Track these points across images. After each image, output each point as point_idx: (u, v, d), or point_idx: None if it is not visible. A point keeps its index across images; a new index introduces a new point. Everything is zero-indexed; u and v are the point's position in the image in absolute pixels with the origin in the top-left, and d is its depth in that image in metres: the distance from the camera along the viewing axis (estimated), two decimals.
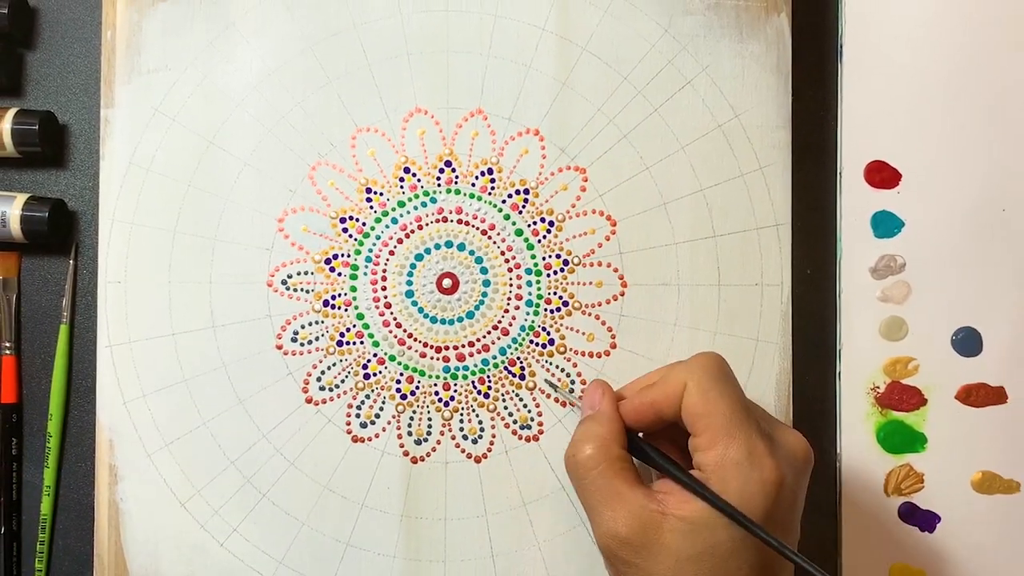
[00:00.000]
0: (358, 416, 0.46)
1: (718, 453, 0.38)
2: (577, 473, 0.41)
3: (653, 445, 0.41)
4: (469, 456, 0.46)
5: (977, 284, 0.48)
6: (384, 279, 0.47)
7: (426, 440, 0.46)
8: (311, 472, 0.46)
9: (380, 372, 0.46)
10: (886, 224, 0.49)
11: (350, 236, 0.47)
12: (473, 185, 0.47)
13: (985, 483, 0.48)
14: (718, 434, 0.39)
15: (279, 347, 0.46)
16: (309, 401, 0.46)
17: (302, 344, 0.46)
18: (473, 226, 0.47)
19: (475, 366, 0.47)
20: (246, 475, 0.46)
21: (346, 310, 0.47)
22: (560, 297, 0.47)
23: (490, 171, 0.47)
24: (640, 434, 0.41)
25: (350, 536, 0.46)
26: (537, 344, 0.46)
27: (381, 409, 0.46)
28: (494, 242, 0.47)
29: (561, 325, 0.46)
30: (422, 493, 0.46)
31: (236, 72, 0.47)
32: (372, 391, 0.46)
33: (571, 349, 0.46)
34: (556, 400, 0.46)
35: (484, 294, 0.47)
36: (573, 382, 0.46)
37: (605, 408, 0.42)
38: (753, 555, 0.38)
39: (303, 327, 0.46)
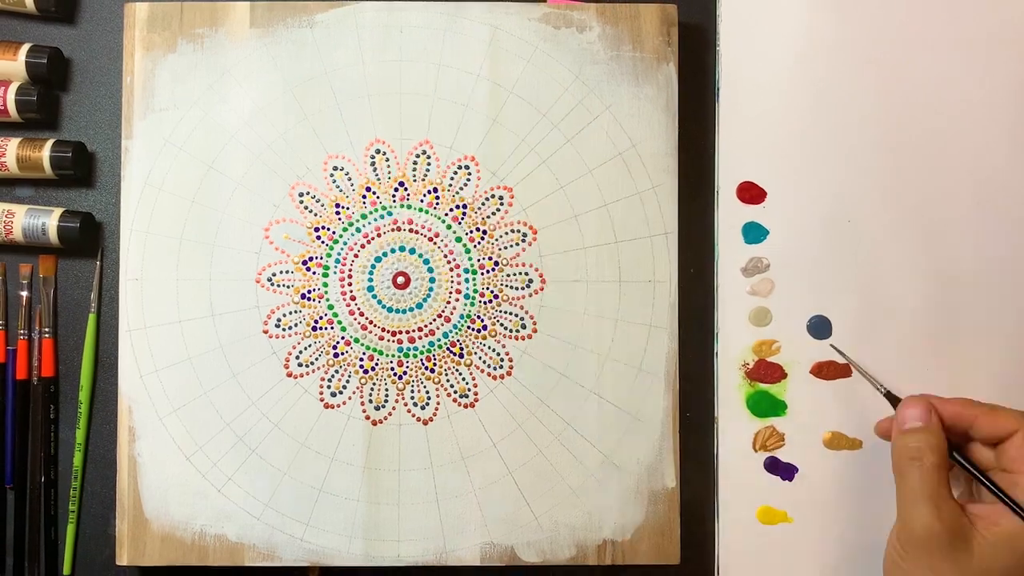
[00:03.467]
0: (329, 387, 0.51)
1: None
2: (918, 472, 0.43)
3: (983, 471, 0.45)
4: (418, 419, 0.51)
5: (827, 280, 0.52)
6: (350, 276, 0.52)
7: (384, 406, 0.51)
8: (291, 432, 0.51)
9: (347, 352, 0.52)
10: (754, 232, 0.53)
11: (323, 242, 0.52)
12: (422, 201, 0.52)
13: (834, 441, 0.52)
14: None
15: (265, 332, 0.51)
16: (289, 375, 0.51)
17: (284, 329, 0.51)
18: (422, 234, 0.52)
19: (423, 347, 0.52)
20: (238, 435, 0.51)
21: (319, 302, 0.52)
22: (492, 291, 0.52)
23: (435, 190, 0.52)
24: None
25: (323, 483, 0.51)
26: (473, 329, 0.52)
27: (347, 382, 0.51)
28: (438, 247, 0.52)
29: (493, 314, 0.52)
30: (380, 449, 0.51)
31: (230, 110, 0.52)
32: (340, 367, 0.51)
33: (501, 333, 0.52)
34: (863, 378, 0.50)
35: (430, 289, 0.52)
36: (502, 359, 0.51)
37: (936, 424, 0.45)
38: None
39: (284, 315, 0.52)
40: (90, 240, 0.54)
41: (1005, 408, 0.45)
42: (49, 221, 0.52)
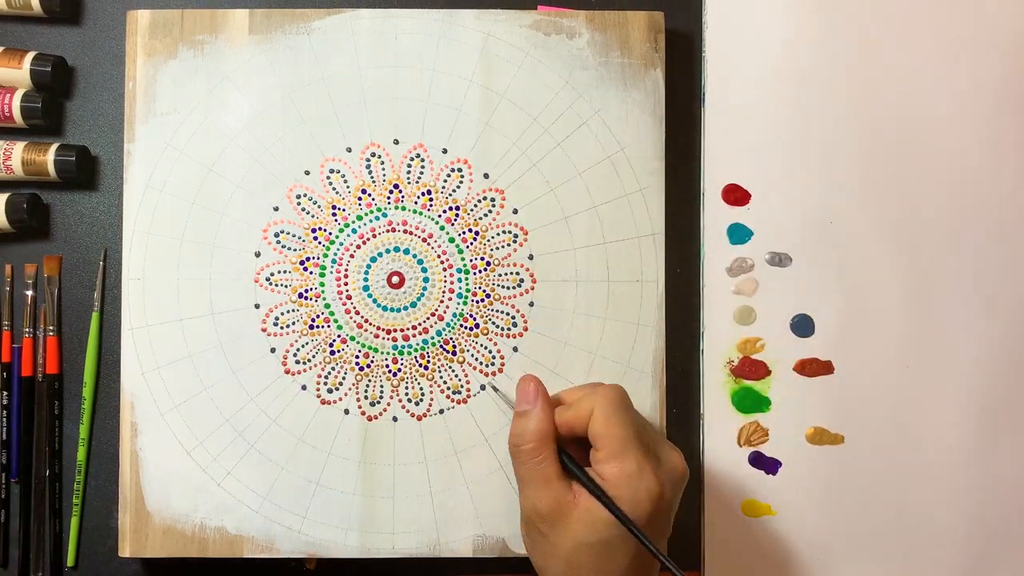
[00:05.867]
0: (326, 383, 0.52)
1: (615, 467, 0.43)
2: (519, 459, 0.46)
3: (573, 458, 0.45)
4: (412, 415, 0.52)
5: (809, 280, 0.53)
6: (346, 276, 0.53)
7: (379, 402, 0.52)
8: (289, 427, 0.52)
9: (343, 349, 0.52)
10: (738, 233, 0.54)
11: (319, 243, 0.53)
12: (416, 203, 0.53)
13: (816, 436, 0.53)
14: (614, 452, 0.44)
15: (264, 330, 0.52)
16: (287, 372, 0.52)
17: (282, 327, 0.52)
18: (416, 235, 0.53)
19: (417, 344, 0.53)
20: (238, 430, 0.52)
21: (316, 301, 0.52)
22: (484, 291, 0.53)
23: (429, 192, 0.53)
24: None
25: (319, 477, 0.52)
26: (466, 327, 0.53)
27: (343, 378, 0.52)
28: (432, 248, 0.53)
29: (485, 312, 0.53)
30: (376, 444, 0.52)
31: (230, 114, 0.52)
32: (336, 364, 0.52)
33: (492, 331, 0.53)
34: (497, 393, 0.51)
35: (424, 288, 0.53)
36: (494, 357, 0.52)
37: (541, 412, 0.46)
38: (634, 549, 0.44)
39: (282, 314, 0.52)
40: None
41: (583, 395, 0.46)
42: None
